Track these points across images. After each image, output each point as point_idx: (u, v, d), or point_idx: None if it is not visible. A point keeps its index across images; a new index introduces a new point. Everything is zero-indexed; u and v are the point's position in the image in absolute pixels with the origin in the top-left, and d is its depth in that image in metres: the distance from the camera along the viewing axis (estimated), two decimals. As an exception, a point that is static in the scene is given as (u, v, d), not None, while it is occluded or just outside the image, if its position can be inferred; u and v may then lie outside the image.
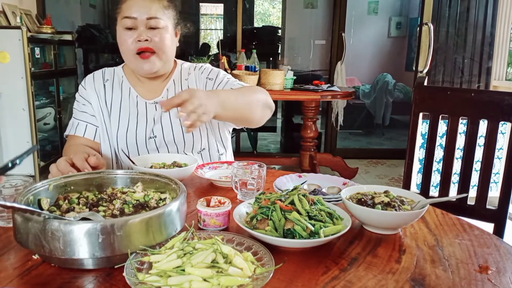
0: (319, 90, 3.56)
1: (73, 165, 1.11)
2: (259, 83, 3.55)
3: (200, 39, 7.39)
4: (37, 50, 3.93)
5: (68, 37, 4.61)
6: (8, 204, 0.72)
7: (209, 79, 1.50)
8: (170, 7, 1.42)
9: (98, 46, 6.06)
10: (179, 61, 1.57)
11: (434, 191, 1.69)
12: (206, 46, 6.95)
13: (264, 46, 5.99)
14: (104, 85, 1.49)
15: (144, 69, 1.39)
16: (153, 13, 1.35)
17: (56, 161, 1.13)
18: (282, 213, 0.86)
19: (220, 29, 7.35)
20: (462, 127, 1.62)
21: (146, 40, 1.35)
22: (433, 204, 1.04)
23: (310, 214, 0.86)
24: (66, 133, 1.49)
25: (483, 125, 1.54)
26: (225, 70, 3.63)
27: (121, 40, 1.39)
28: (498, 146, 1.52)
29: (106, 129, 1.46)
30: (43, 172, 3.78)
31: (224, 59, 3.82)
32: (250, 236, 0.83)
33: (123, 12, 1.37)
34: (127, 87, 1.49)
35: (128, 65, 1.46)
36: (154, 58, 1.38)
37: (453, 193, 1.61)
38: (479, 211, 1.52)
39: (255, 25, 7.79)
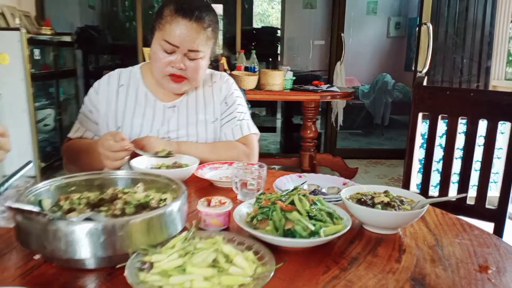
0: (319, 91, 3.57)
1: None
2: (258, 84, 3.56)
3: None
4: (36, 52, 3.93)
5: (67, 39, 4.62)
6: (14, 205, 0.73)
7: (225, 103, 1.52)
8: (213, 37, 1.40)
9: (97, 47, 6.05)
10: None
11: (433, 191, 1.69)
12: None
13: (264, 46, 5.99)
14: (118, 90, 1.47)
15: (171, 88, 1.41)
16: (196, 46, 1.34)
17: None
18: (283, 213, 0.86)
19: (220, 30, 7.36)
20: (461, 127, 1.62)
21: (182, 68, 1.35)
22: (432, 204, 1.04)
23: (310, 214, 0.87)
24: (68, 135, 1.49)
25: (482, 125, 1.54)
26: (224, 70, 3.64)
27: (155, 56, 1.36)
28: (497, 145, 1.53)
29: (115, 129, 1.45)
30: (44, 173, 3.78)
31: (223, 60, 3.82)
32: (250, 236, 0.83)
33: (166, 33, 1.32)
34: (143, 91, 1.48)
35: (156, 78, 1.44)
36: (185, 82, 1.40)
37: (452, 193, 1.61)
38: (479, 210, 1.52)
39: (254, 25, 7.80)
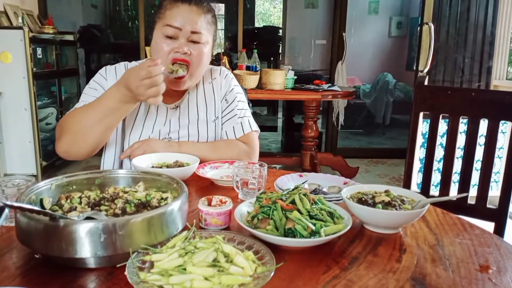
0: (320, 90, 3.57)
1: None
2: (260, 83, 3.56)
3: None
4: (39, 50, 3.94)
5: (69, 37, 4.63)
6: (15, 204, 0.73)
7: (226, 100, 1.51)
8: (214, 23, 1.40)
9: (99, 46, 6.07)
10: None
11: (434, 191, 1.69)
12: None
13: (265, 46, 6.00)
14: None
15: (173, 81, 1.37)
16: (198, 28, 1.32)
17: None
18: (283, 212, 0.86)
19: (221, 29, 7.36)
20: (462, 126, 1.62)
21: (186, 53, 1.32)
22: (433, 204, 1.04)
23: (311, 213, 0.87)
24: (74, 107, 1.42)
25: (483, 125, 1.54)
26: (226, 70, 3.64)
27: (158, 47, 1.34)
28: (498, 145, 1.53)
29: (116, 130, 1.42)
30: (45, 172, 3.79)
31: (225, 59, 3.83)
32: (251, 235, 0.83)
33: (166, 19, 1.32)
34: None
35: None
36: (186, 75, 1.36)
37: (453, 192, 1.61)
38: (480, 210, 1.52)
39: (256, 25, 7.80)
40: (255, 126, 1.52)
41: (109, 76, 1.44)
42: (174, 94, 1.47)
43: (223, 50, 5.63)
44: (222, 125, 1.50)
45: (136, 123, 1.44)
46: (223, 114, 1.51)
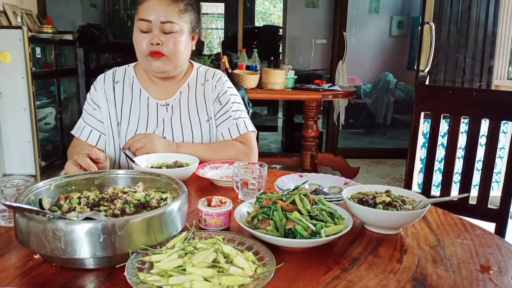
0: (320, 90, 3.56)
1: (80, 167, 1.15)
2: (260, 83, 3.55)
3: (201, 38, 7.38)
4: (38, 50, 3.93)
5: (69, 37, 4.62)
6: (14, 204, 0.72)
7: (219, 102, 1.52)
8: (187, 10, 1.41)
9: (99, 46, 6.05)
10: (195, 64, 1.58)
11: (435, 191, 1.68)
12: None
13: (265, 45, 5.99)
14: (114, 87, 1.49)
15: (153, 66, 1.40)
16: (168, 17, 1.36)
17: (65, 164, 1.17)
18: (283, 212, 0.86)
19: (221, 29, 7.35)
20: (463, 126, 1.62)
21: (158, 44, 1.36)
22: (434, 204, 1.04)
23: (311, 213, 0.86)
24: (72, 132, 1.51)
25: (484, 125, 1.54)
26: (226, 69, 3.64)
27: (135, 41, 1.40)
28: (499, 145, 1.52)
29: (113, 133, 1.47)
30: (44, 172, 3.78)
31: (225, 59, 3.82)
32: (251, 236, 0.83)
33: (139, 14, 1.37)
34: (137, 88, 1.50)
35: (141, 65, 1.48)
36: (165, 59, 1.39)
37: (454, 192, 1.60)
38: (481, 210, 1.52)
39: (256, 24, 7.79)
40: (251, 127, 1.52)
41: (97, 87, 1.51)
42: (165, 90, 1.49)
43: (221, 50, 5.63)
44: (217, 127, 1.51)
45: (131, 118, 1.46)
46: (217, 116, 1.51)
